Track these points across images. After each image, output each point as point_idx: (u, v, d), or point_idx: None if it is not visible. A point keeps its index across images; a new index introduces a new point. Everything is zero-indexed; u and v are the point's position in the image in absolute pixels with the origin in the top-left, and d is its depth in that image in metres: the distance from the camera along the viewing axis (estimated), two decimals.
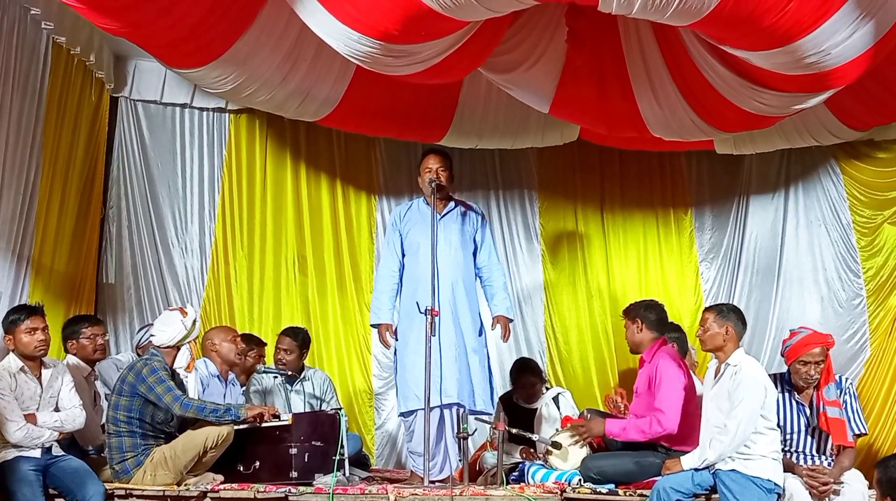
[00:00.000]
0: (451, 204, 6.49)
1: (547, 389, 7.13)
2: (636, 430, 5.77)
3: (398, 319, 6.41)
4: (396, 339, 6.32)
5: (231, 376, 6.66)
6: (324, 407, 6.93)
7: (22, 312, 5.58)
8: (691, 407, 5.82)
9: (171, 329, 5.76)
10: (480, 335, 6.41)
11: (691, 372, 6.88)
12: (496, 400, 6.50)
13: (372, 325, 6.41)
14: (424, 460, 5.77)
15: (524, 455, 6.54)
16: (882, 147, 8.31)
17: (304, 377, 7.10)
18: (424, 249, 6.28)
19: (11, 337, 5.52)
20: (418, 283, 6.27)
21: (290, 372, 6.93)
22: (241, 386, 6.88)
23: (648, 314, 6.13)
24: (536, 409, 6.88)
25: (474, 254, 6.53)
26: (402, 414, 6.36)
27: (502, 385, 7.53)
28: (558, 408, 6.87)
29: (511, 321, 6.52)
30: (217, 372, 6.46)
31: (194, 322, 5.84)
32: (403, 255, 6.45)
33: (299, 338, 7.15)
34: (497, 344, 8.26)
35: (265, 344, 7.34)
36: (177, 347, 5.82)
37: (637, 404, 6.04)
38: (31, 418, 5.44)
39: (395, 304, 6.41)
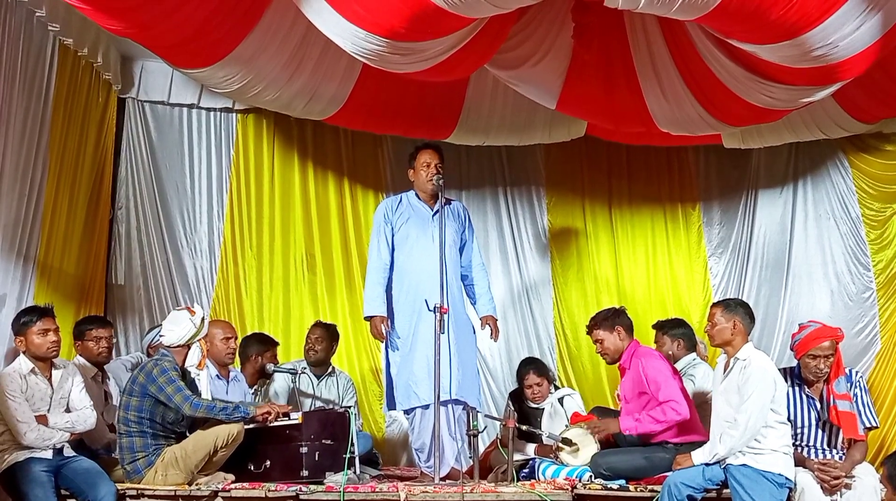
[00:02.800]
0: (441, 200, 6.39)
1: (556, 388, 7.11)
2: (651, 421, 5.77)
3: (393, 315, 6.43)
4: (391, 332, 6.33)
5: (234, 373, 6.67)
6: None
7: (34, 314, 5.60)
8: (683, 393, 5.87)
9: (180, 328, 5.78)
10: (470, 330, 6.45)
11: (701, 360, 6.92)
12: (482, 398, 6.52)
13: (366, 318, 6.37)
14: (434, 457, 5.79)
15: (538, 452, 6.54)
16: (890, 139, 8.27)
17: (330, 372, 7.16)
18: (421, 245, 6.30)
19: (23, 338, 5.54)
20: (417, 280, 6.27)
21: (300, 370, 6.95)
22: (251, 387, 6.90)
23: (624, 320, 6.17)
24: (543, 409, 6.88)
25: (460, 251, 6.56)
26: (405, 413, 6.40)
27: (512, 382, 7.52)
28: (565, 411, 6.85)
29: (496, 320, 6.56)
30: (216, 372, 6.48)
31: (203, 320, 5.86)
32: (393, 250, 6.43)
33: (330, 330, 7.27)
34: (507, 342, 8.29)
35: (277, 344, 7.35)
36: (187, 346, 5.83)
37: (628, 411, 6.03)
38: (42, 419, 5.46)
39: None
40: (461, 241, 6.55)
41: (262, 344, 7.14)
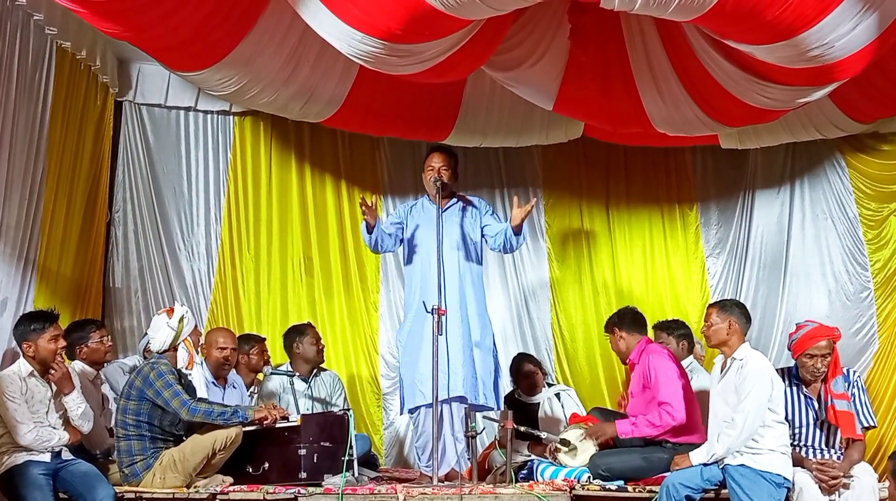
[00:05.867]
0: (454, 200, 6.53)
1: (549, 385, 7.15)
2: (647, 425, 5.78)
3: (406, 316, 6.58)
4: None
5: (232, 378, 6.65)
6: (331, 407, 6.92)
7: (45, 320, 5.59)
8: (688, 395, 5.86)
9: (161, 333, 5.77)
10: (487, 330, 6.44)
11: (699, 364, 6.93)
12: (501, 396, 6.52)
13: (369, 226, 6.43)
14: (433, 459, 5.79)
15: (530, 449, 6.54)
16: (887, 139, 8.27)
17: (317, 372, 7.12)
18: (427, 247, 6.34)
19: (32, 344, 5.52)
20: (425, 281, 6.33)
21: (297, 373, 6.94)
22: (248, 388, 6.88)
23: (623, 320, 6.24)
24: (538, 403, 6.90)
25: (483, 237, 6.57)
26: (409, 411, 6.43)
27: (510, 385, 7.53)
28: (562, 406, 6.89)
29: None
30: (212, 378, 6.47)
31: (181, 319, 5.79)
32: (404, 243, 6.62)
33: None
34: (505, 344, 8.24)
35: (265, 340, 7.32)
36: (174, 348, 5.82)
37: (634, 405, 6.06)
38: (73, 433, 5.53)
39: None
40: (478, 237, 6.57)
41: (245, 342, 7.12)
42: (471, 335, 6.32)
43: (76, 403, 5.62)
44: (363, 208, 6.32)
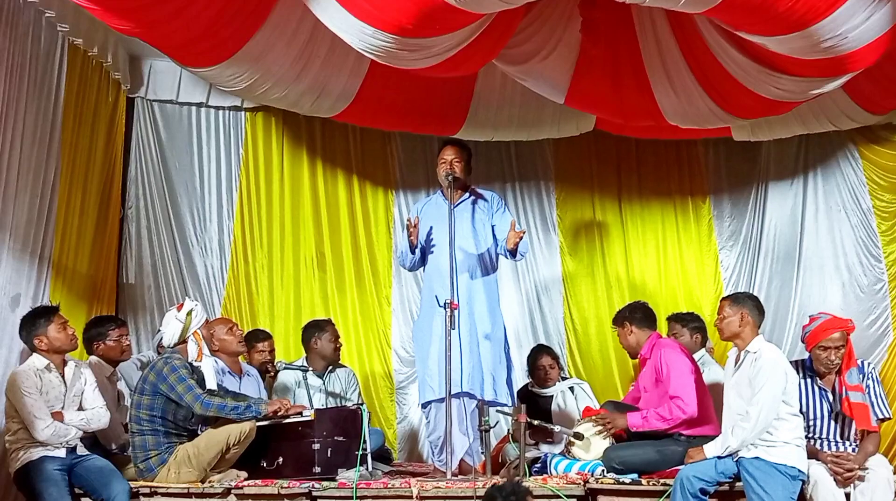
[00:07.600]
0: (466, 194, 6.51)
1: (564, 378, 7.15)
2: (657, 418, 5.78)
3: (419, 311, 6.51)
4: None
5: (245, 367, 6.66)
6: (345, 402, 6.93)
7: (46, 313, 5.62)
8: (700, 388, 5.86)
9: (170, 327, 5.82)
10: (498, 324, 6.42)
11: (710, 356, 6.92)
12: (514, 390, 6.50)
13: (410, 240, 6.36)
14: (446, 453, 5.79)
15: (531, 435, 6.54)
16: None
17: (332, 369, 7.12)
18: (439, 242, 6.33)
19: (43, 337, 5.55)
20: (438, 276, 6.31)
21: (312, 369, 6.95)
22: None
23: (634, 315, 6.23)
24: (552, 396, 6.90)
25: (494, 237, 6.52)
26: (421, 406, 6.43)
27: (523, 378, 7.53)
28: (575, 399, 6.88)
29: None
30: (227, 368, 6.47)
31: (188, 313, 5.83)
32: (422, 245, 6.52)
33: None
34: (517, 338, 8.24)
35: (271, 337, 7.34)
36: (184, 341, 5.83)
37: (646, 400, 6.05)
38: (58, 416, 5.48)
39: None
40: (489, 232, 6.52)
41: (253, 339, 7.14)
42: (480, 329, 6.31)
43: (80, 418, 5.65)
44: (409, 229, 6.30)
